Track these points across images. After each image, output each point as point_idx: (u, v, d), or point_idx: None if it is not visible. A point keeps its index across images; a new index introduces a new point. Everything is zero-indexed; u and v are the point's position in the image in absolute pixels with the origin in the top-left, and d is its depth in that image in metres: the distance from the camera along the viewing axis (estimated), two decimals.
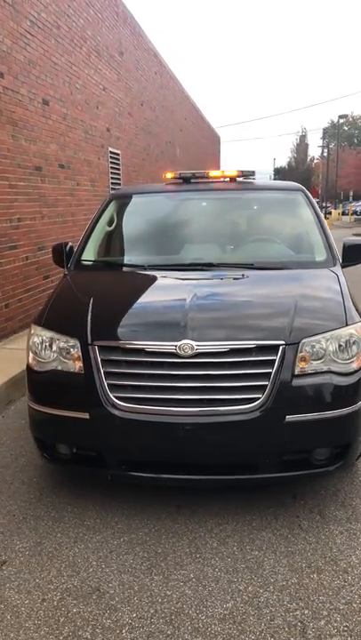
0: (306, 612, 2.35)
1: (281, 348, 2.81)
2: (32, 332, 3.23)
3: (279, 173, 72.47)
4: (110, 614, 2.36)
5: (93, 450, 2.97)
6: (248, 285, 3.50)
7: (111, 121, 10.27)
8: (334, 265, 3.79)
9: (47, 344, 3.11)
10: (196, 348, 2.80)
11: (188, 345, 2.80)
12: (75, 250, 4.23)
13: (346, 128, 75.71)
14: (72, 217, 8.33)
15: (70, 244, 4.36)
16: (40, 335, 3.15)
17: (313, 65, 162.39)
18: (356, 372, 2.92)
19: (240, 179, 4.79)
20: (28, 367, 3.17)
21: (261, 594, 2.46)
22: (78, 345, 2.98)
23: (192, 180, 4.78)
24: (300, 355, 2.83)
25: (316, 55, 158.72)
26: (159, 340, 2.88)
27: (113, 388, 2.85)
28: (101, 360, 2.89)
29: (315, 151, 71.76)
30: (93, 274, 3.86)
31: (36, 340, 3.16)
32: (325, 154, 68.48)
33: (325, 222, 4.25)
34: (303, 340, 2.86)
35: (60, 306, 3.39)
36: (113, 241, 4.38)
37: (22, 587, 2.54)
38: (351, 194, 42.76)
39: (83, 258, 4.11)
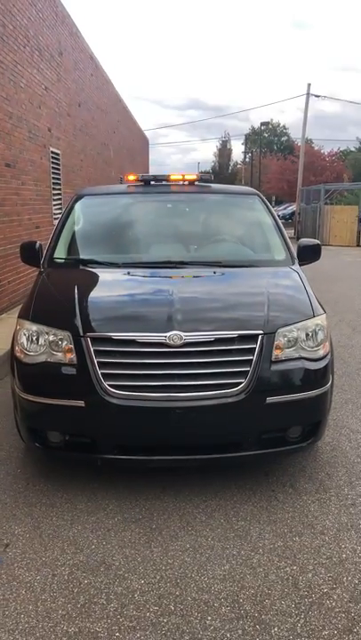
0: (294, 567, 2.65)
1: (260, 337, 3.12)
2: (19, 326, 3.35)
3: None
4: (120, 582, 2.55)
5: (87, 436, 3.14)
6: (222, 282, 3.79)
7: (52, 121, 10.28)
8: (293, 264, 4.16)
9: (35, 337, 3.24)
10: (184, 338, 3.04)
11: (177, 335, 3.04)
12: (46, 248, 4.35)
13: (266, 135, 78.45)
14: (18, 216, 8.30)
15: (39, 242, 4.47)
16: (29, 329, 3.27)
17: (238, 74, 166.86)
18: (323, 357, 3.28)
19: (196, 182, 5.06)
20: (17, 360, 3.28)
21: (253, 556, 2.74)
22: (69, 337, 3.14)
23: (152, 183, 5.01)
24: (276, 343, 3.15)
25: (242, 64, 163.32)
26: (149, 332, 3.10)
27: (106, 376, 3.03)
28: (94, 351, 3.07)
29: (239, 156, 73.82)
30: (70, 271, 4.00)
31: (24, 333, 3.28)
32: (247, 159, 70.58)
33: (281, 224, 4.62)
34: (278, 330, 3.17)
35: (44, 301, 3.51)
36: (82, 240, 4.53)
37: (30, 565, 2.68)
38: (274, 198, 44.46)
39: (55, 256, 4.24)
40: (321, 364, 3.25)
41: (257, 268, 4.04)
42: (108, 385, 3.02)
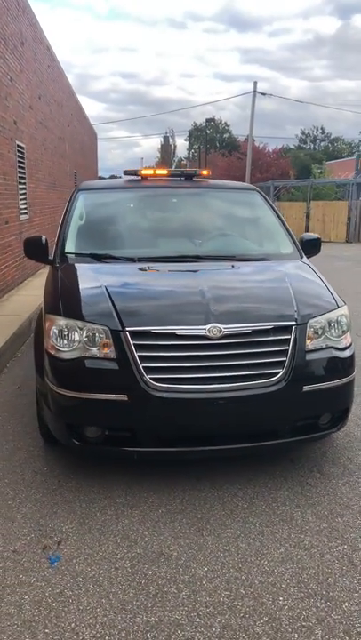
0: (345, 547, 2.78)
1: (293, 328, 3.22)
2: (50, 322, 3.30)
3: None
4: (185, 571, 2.59)
5: (128, 430, 3.14)
6: (244, 275, 3.87)
7: (17, 113, 10.01)
8: (301, 257, 4.29)
9: (69, 332, 3.21)
10: (223, 330, 3.10)
11: (217, 328, 3.10)
12: (56, 243, 4.29)
13: (208, 131, 79.10)
14: None
15: (44, 237, 4.41)
16: (61, 324, 3.24)
17: (177, 70, 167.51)
18: (348, 347, 3.42)
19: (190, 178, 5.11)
20: (51, 356, 3.24)
21: (303, 539, 2.84)
22: (107, 332, 3.14)
23: (150, 178, 5.02)
24: (307, 333, 3.26)
25: (189, 63, 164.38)
26: (189, 325, 3.14)
27: (148, 370, 3.05)
28: (135, 345, 3.08)
29: (183, 153, 74.07)
30: (88, 266, 3.96)
31: (56, 329, 3.24)
32: (190, 155, 70.91)
33: (284, 218, 4.75)
34: (310, 321, 3.29)
35: (72, 296, 3.48)
36: (91, 235, 4.48)
37: (90, 560, 2.67)
38: None
39: (67, 251, 4.19)
40: (347, 353, 3.39)
41: (270, 262, 4.14)
42: (150, 378, 3.04)
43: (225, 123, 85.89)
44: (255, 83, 30.45)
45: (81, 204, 4.62)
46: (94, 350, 3.16)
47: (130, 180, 5.05)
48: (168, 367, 3.08)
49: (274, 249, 4.43)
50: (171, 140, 74.71)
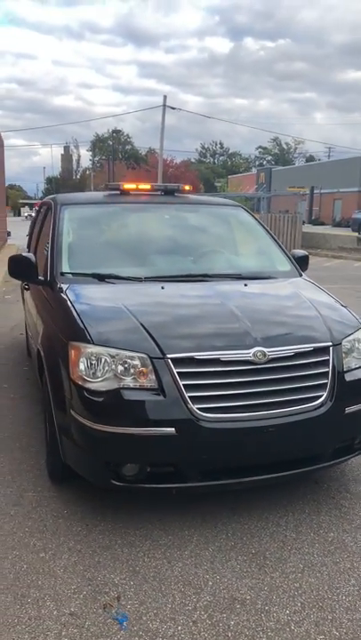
0: None
1: (331, 348, 3.17)
2: (76, 350, 3.00)
3: (51, 182, 72.01)
4: (267, 617, 2.42)
5: (173, 464, 2.92)
6: (263, 295, 3.78)
7: None
8: (301, 275, 4.29)
9: (101, 361, 2.93)
10: (268, 354, 2.98)
11: (261, 352, 2.97)
12: (48, 261, 3.95)
13: (110, 142, 79.06)
14: None
15: (32, 255, 4.07)
16: (91, 352, 2.95)
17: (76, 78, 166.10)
18: None
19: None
20: (80, 387, 2.93)
21: None
22: (145, 359, 2.90)
23: (130, 192, 4.81)
24: (343, 353, 3.23)
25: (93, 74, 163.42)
26: (231, 349, 2.98)
27: (194, 399, 2.85)
28: (178, 373, 2.87)
29: (87, 163, 73.03)
30: (96, 287, 3.66)
31: (86, 358, 2.95)
32: (93, 165, 70.22)
33: (273, 235, 4.73)
34: (343, 341, 3.26)
35: (96, 320, 3.18)
36: (84, 252, 4.16)
37: (161, 615, 2.42)
38: None
39: (63, 270, 3.87)
40: None
41: (276, 280, 4.09)
42: (197, 408, 2.84)
43: (127, 134, 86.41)
44: (165, 97, 30.91)
45: (68, 219, 4.30)
46: (128, 380, 2.91)
47: (111, 195, 4.80)
48: (214, 396, 2.90)
49: (274, 266, 4.38)
50: (74, 150, 73.53)
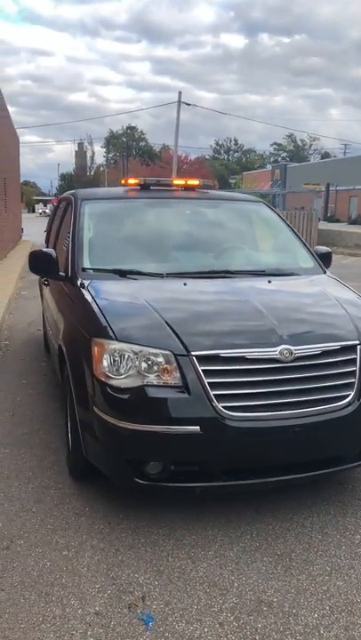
0: None
1: (359, 347, 3.10)
2: (99, 346, 2.96)
3: (65, 179, 72.21)
4: (295, 620, 2.37)
5: (197, 463, 2.88)
6: (288, 291, 3.72)
7: None
8: (324, 272, 4.22)
9: (125, 358, 2.90)
10: (294, 352, 2.93)
11: (288, 350, 2.92)
12: (69, 257, 3.92)
13: (124, 139, 79.06)
14: None
15: (53, 251, 4.05)
16: (114, 349, 2.92)
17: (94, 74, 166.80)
18: None
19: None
20: (105, 384, 2.90)
21: None
22: (170, 356, 2.86)
23: (152, 188, 4.77)
24: None
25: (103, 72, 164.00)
26: (257, 347, 2.93)
27: (219, 398, 2.81)
28: (203, 370, 2.83)
29: (101, 159, 73.07)
30: (118, 283, 3.63)
31: (109, 355, 2.91)
32: (105, 161, 70.25)
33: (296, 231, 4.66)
34: None
35: (119, 316, 3.15)
36: (105, 248, 4.13)
37: (187, 616, 2.38)
38: None
39: (85, 266, 3.84)
40: None
41: (300, 277, 4.03)
42: (223, 407, 2.80)
43: (141, 131, 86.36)
44: (180, 93, 30.75)
45: (88, 214, 4.26)
46: (151, 377, 2.87)
47: (131, 190, 4.75)
48: (239, 394, 2.85)
49: (297, 263, 4.31)
50: (88, 147, 73.54)
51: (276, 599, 2.50)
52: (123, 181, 4.85)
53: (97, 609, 2.41)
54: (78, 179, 65.45)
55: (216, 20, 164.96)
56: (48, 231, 6.22)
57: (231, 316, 3.27)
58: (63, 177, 74.30)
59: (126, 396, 2.85)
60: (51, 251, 4.04)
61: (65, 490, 3.38)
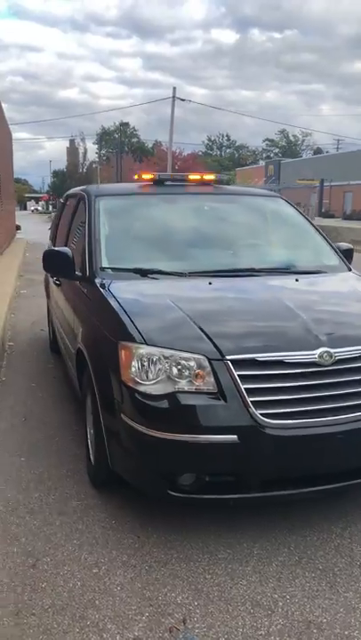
0: None
1: None
2: (127, 350, 2.80)
3: (58, 176, 71.66)
4: None
5: (235, 474, 2.72)
6: (319, 291, 3.58)
7: None
8: (350, 269, 4.06)
9: (155, 363, 2.73)
10: (334, 355, 2.77)
11: (328, 353, 2.76)
12: (86, 256, 3.75)
13: (117, 135, 78.56)
14: None
15: (70, 250, 3.88)
16: (143, 353, 2.75)
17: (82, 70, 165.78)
18: None
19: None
20: (133, 390, 2.73)
21: None
22: (202, 361, 2.70)
23: (167, 183, 4.61)
24: None
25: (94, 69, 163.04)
26: (295, 350, 2.77)
27: (256, 404, 2.65)
28: (239, 376, 2.67)
29: (93, 156, 72.50)
30: (138, 283, 3.46)
31: (138, 359, 2.75)
32: (98, 158, 69.77)
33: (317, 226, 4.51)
34: None
35: (146, 319, 2.98)
36: (122, 246, 3.96)
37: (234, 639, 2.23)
38: None
39: (104, 265, 3.66)
40: None
41: (326, 275, 3.88)
42: (260, 414, 2.64)
43: (133, 127, 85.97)
44: (174, 88, 30.52)
45: (104, 211, 4.08)
46: (183, 383, 2.71)
47: (145, 185, 4.58)
48: (277, 400, 2.69)
49: (321, 260, 4.16)
50: (81, 144, 72.79)
51: (325, 620, 2.35)
52: (136, 176, 4.68)
53: (136, 634, 2.25)
54: (71, 175, 64.92)
55: (207, 15, 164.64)
56: (54, 229, 6.03)
57: (263, 317, 3.11)
58: (56, 174, 73.72)
59: (157, 403, 2.69)
60: (66, 250, 3.87)
61: (88, 500, 3.22)
